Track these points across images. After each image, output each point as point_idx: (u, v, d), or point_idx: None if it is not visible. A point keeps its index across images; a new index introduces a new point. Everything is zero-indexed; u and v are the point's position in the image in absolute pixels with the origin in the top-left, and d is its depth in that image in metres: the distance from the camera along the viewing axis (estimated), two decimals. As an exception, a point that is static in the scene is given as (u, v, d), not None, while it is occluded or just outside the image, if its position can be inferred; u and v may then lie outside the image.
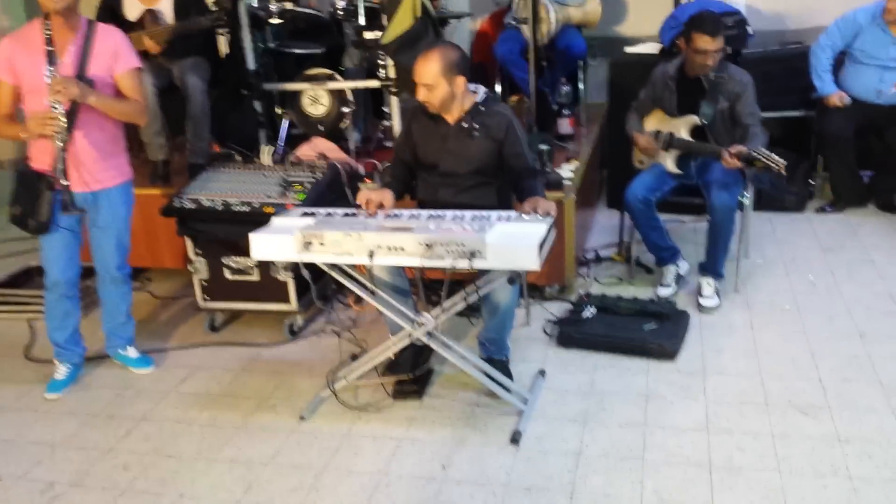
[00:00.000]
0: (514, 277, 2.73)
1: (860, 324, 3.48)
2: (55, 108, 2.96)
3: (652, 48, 5.06)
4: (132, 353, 3.61)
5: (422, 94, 3.03)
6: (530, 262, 2.59)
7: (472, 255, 2.60)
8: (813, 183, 5.01)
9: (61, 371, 3.46)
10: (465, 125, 3.11)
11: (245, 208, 3.57)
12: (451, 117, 3.12)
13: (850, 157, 4.68)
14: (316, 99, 4.44)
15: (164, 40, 4.10)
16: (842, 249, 4.27)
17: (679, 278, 3.92)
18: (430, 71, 2.96)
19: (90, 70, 3.08)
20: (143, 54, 4.32)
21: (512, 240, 2.64)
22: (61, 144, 3.01)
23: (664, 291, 3.85)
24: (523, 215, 2.87)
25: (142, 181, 4.47)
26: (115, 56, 3.13)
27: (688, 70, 3.72)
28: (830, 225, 4.63)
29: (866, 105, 4.59)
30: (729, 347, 3.38)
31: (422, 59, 2.99)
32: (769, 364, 3.22)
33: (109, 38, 3.14)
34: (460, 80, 3.01)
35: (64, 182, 3.05)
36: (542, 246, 2.64)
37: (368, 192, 3.06)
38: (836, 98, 4.62)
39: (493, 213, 2.88)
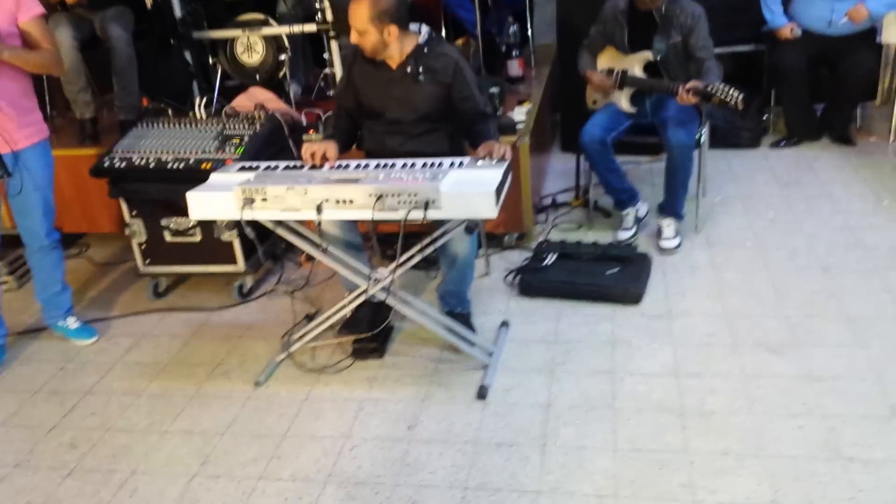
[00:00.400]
0: (471, 226, 2.59)
1: (822, 258, 3.44)
2: None
3: (600, -17, 4.88)
4: (72, 323, 3.39)
5: (354, 38, 2.85)
6: (487, 209, 2.46)
7: (426, 205, 2.46)
8: (766, 118, 4.95)
9: None
10: (409, 69, 2.93)
11: (180, 165, 3.35)
12: (393, 62, 2.94)
13: (802, 90, 4.61)
14: (250, 46, 4.20)
15: None
16: (799, 184, 4.22)
17: (638, 220, 3.83)
18: (359, 16, 2.77)
19: None
20: (62, 5, 4.03)
21: (467, 187, 2.50)
22: None
23: (624, 235, 3.76)
24: (477, 161, 2.72)
25: (70, 141, 4.24)
26: (17, 4, 2.86)
27: (638, 4, 3.57)
28: (786, 160, 4.58)
29: (817, 36, 4.50)
30: (693, 288, 3.31)
31: (352, 1, 2.80)
32: (734, 303, 3.17)
33: None
34: (392, 29, 2.82)
35: None
36: (499, 192, 2.50)
37: (311, 145, 2.87)
38: (788, 30, 4.53)
39: (446, 160, 2.73)
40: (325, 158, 2.86)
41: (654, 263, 3.47)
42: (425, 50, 2.94)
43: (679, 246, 3.63)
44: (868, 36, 4.50)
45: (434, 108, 2.97)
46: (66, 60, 3.93)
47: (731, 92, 3.24)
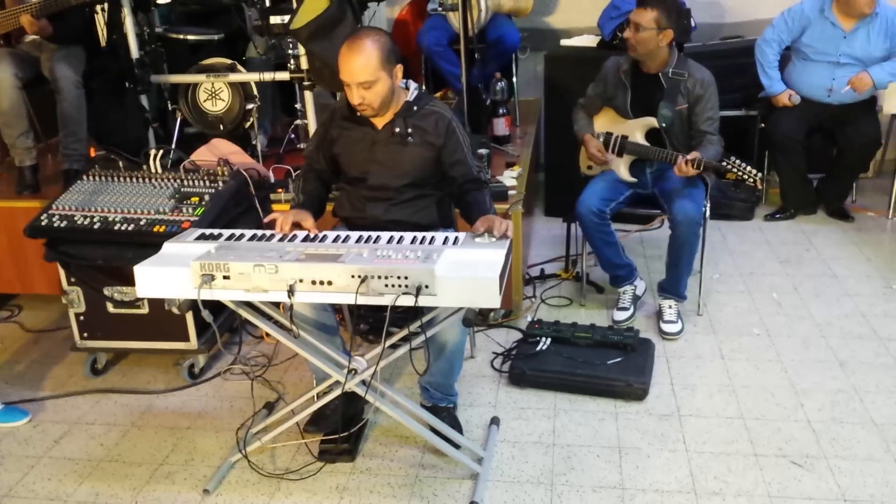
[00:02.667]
0: (470, 318, 2.22)
1: (837, 350, 3.14)
2: None
3: (590, 40, 4.65)
4: (-6, 404, 2.94)
5: (356, 97, 2.47)
6: (490, 297, 2.11)
7: (418, 290, 2.10)
8: (760, 188, 4.71)
9: None
10: (397, 130, 2.59)
11: (129, 227, 2.93)
12: (379, 121, 2.60)
13: (800, 161, 4.37)
14: (214, 93, 3.82)
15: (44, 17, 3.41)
16: (800, 262, 3.95)
17: (636, 300, 3.51)
18: (367, 65, 2.41)
19: None
20: (5, 39, 3.65)
21: (466, 271, 2.15)
22: None
23: (621, 315, 3.42)
24: (475, 238, 2.37)
25: (6, 191, 3.80)
26: None
27: (643, 66, 3.31)
28: (783, 233, 4.32)
29: (816, 104, 4.29)
30: (702, 382, 2.97)
31: (351, 52, 2.43)
32: (749, 403, 2.83)
33: None
34: (399, 70, 2.51)
35: None
36: (502, 277, 2.16)
37: (282, 217, 2.49)
38: (786, 97, 4.32)
39: (439, 236, 2.38)
40: (297, 227, 2.49)
41: (656, 351, 3.13)
42: (414, 108, 2.61)
43: (682, 331, 3.31)
44: (869, 105, 4.32)
45: (423, 172, 2.64)
46: (6, 101, 3.53)
47: (748, 169, 2.98)
